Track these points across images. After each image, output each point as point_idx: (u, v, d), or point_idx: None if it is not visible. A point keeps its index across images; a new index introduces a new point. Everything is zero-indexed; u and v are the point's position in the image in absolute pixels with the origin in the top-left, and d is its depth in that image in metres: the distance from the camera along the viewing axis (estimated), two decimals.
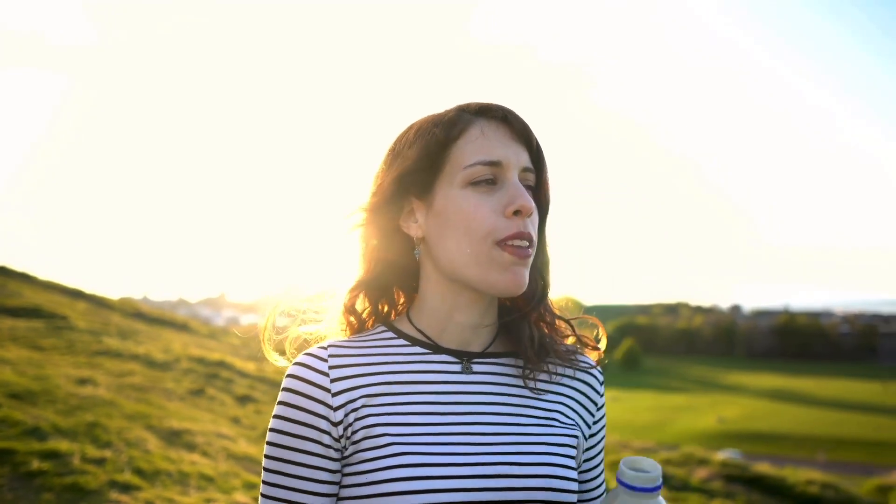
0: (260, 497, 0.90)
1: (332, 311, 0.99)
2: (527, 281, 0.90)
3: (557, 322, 1.00)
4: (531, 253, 0.90)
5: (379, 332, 0.97)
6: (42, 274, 14.32)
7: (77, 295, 13.88)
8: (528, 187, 0.93)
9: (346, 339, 0.96)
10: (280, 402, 0.89)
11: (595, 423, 1.01)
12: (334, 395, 0.88)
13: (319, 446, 0.87)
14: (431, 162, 0.90)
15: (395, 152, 0.95)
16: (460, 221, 0.89)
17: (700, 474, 10.82)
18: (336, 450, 0.87)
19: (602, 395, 1.02)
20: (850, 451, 35.22)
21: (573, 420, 0.97)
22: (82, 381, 6.69)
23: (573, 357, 1.00)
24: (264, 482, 0.89)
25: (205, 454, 5.36)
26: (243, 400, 8.37)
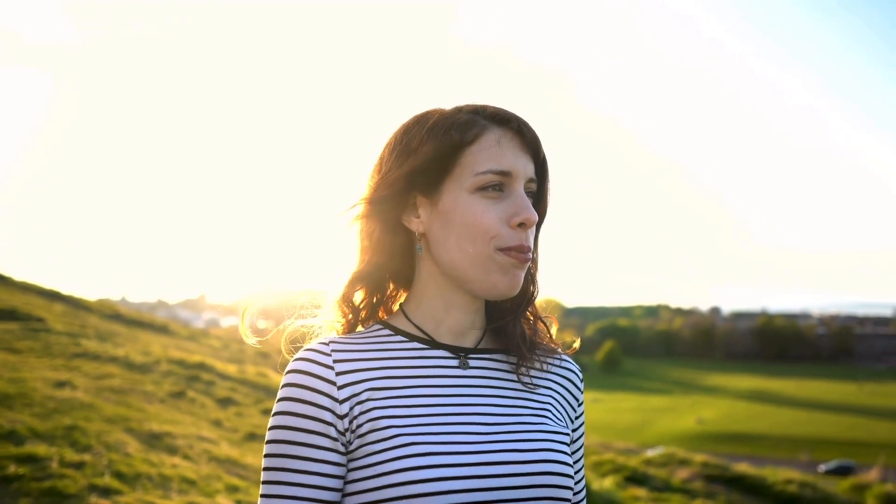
0: (261, 497, 0.89)
1: (328, 304, 1.00)
2: (521, 283, 0.94)
3: (539, 323, 1.05)
4: (530, 258, 0.94)
5: (376, 330, 0.99)
6: (18, 275, 14.11)
7: (54, 296, 13.69)
8: (529, 194, 0.96)
9: (343, 336, 0.97)
10: (283, 398, 0.89)
11: (576, 418, 1.05)
12: (340, 387, 0.89)
13: (326, 439, 0.87)
14: (444, 163, 0.92)
15: (405, 146, 0.95)
16: (466, 223, 0.91)
17: (681, 475, 10.92)
18: (342, 443, 0.88)
19: (582, 392, 1.07)
20: (828, 451, 35.75)
21: (560, 416, 1.02)
22: (60, 384, 6.59)
23: (556, 354, 1.05)
24: (266, 480, 0.88)
25: (186, 457, 5.31)
26: (224, 402, 8.30)
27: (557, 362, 1.05)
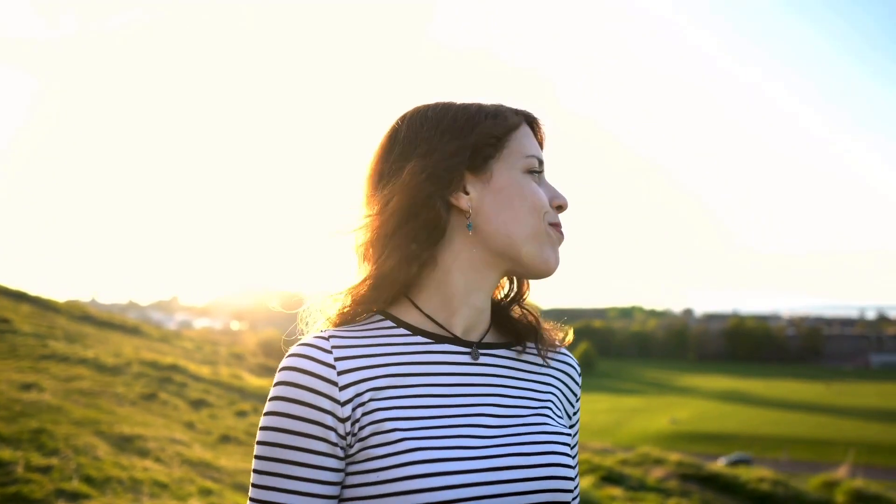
0: (250, 501, 0.83)
1: (347, 284, 0.92)
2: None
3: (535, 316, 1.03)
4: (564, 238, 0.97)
5: (377, 321, 0.92)
6: None
7: (21, 297, 13.37)
8: None
9: (342, 328, 0.90)
10: (278, 398, 0.82)
11: (574, 413, 1.03)
12: (342, 388, 0.82)
13: (325, 444, 0.81)
14: (499, 142, 0.94)
15: (451, 125, 0.92)
16: (525, 199, 0.93)
17: (656, 474, 11.00)
18: (342, 448, 0.82)
19: (580, 386, 1.04)
20: (797, 450, 36.40)
21: (560, 412, 0.99)
22: (26, 387, 6.42)
23: (556, 348, 1.02)
24: (256, 484, 0.82)
25: (158, 460, 5.20)
26: (197, 404, 8.17)
27: (556, 356, 1.02)
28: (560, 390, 1.00)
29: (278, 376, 0.83)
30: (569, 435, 0.95)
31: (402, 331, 0.90)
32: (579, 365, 1.06)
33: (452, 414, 0.86)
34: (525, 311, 1.00)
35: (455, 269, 0.91)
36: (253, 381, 10.83)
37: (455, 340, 0.91)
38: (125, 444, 5.42)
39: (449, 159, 0.90)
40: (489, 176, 0.92)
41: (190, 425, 7.04)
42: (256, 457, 0.82)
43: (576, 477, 1.01)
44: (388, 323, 0.91)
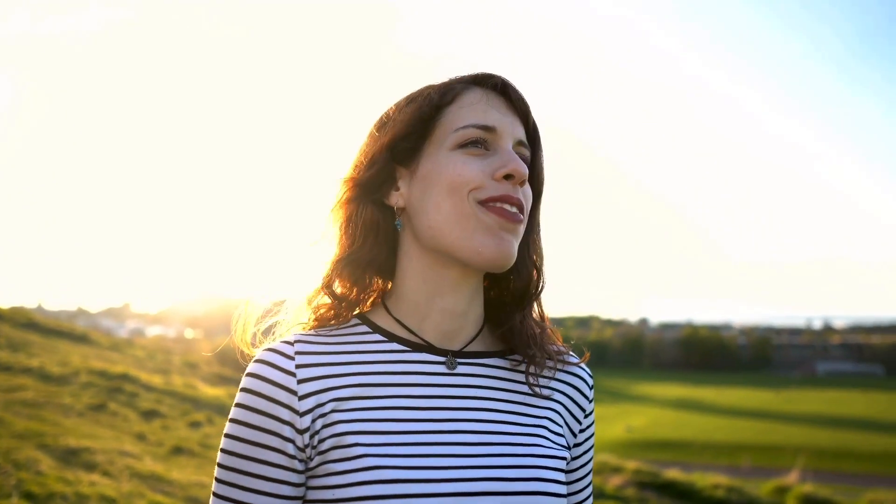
0: None
1: (301, 296, 0.88)
2: (515, 253, 0.82)
3: (545, 322, 0.93)
4: (521, 220, 0.82)
5: (352, 326, 0.86)
6: None
7: None
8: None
9: (313, 332, 0.84)
10: (238, 405, 0.78)
11: (581, 431, 0.92)
12: (301, 398, 0.78)
13: (283, 456, 0.77)
14: (423, 126, 0.84)
15: (382, 122, 0.88)
16: (443, 180, 0.81)
17: (614, 482, 11.09)
18: (301, 460, 0.77)
19: (591, 401, 0.94)
20: (750, 456, 37.26)
21: (561, 430, 0.89)
22: None
23: (562, 358, 0.92)
24: (216, 494, 0.78)
25: (106, 474, 4.99)
26: (149, 415, 7.91)
27: (564, 365, 0.92)
28: (563, 405, 0.90)
29: (241, 383, 0.80)
30: (564, 459, 0.85)
31: (377, 336, 0.84)
32: (592, 377, 0.94)
33: (423, 430, 0.78)
34: (530, 321, 0.89)
35: (412, 272, 0.85)
36: (207, 391, 10.55)
37: (431, 348, 0.84)
38: (71, 457, 5.19)
39: (374, 160, 0.85)
40: (417, 165, 0.84)
41: (141, 437, 6.80)
42: (218, 465, 0.79)
43: (585, 500, 0.93)
44: (364, 328, 0.85)
